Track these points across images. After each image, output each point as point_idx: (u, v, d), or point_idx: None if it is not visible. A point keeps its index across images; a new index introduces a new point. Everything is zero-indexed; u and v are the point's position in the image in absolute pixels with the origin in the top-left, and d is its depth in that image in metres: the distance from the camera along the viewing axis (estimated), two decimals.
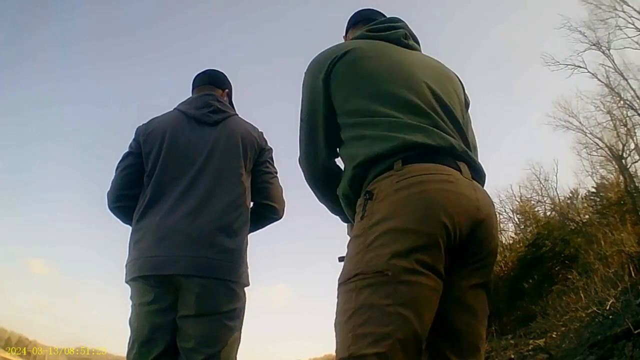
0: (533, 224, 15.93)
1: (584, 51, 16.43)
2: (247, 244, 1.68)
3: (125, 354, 1.57)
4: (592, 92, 16.47)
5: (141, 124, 1.78)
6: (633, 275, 7.20)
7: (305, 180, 1.35)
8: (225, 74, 1.96)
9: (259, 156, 1.77)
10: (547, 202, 17.14)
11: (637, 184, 13.36)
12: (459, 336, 1.03)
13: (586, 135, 16.30)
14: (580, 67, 16.44)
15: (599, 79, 16.06)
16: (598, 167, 15.84)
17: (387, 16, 1.43)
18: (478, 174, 1.14)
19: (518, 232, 16.89)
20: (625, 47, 15.56)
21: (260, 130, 1.84)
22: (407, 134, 1.06)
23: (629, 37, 15.44)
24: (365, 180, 1.09)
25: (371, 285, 0.93)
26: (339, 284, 1.00)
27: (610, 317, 5.87)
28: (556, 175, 17.48)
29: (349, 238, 1.09)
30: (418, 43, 1.39)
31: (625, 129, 15.22)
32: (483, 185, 1.16)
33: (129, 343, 1.55)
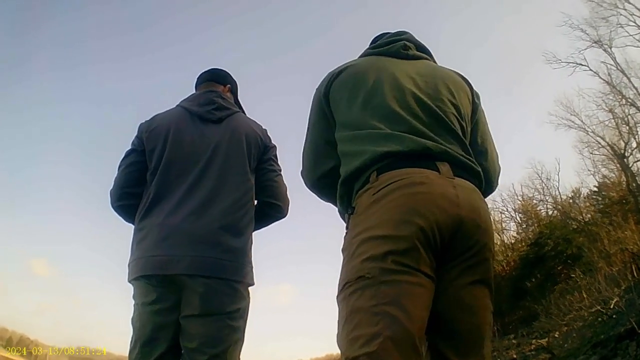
0: (535, 223, 15.90)
1: (586, 49, 16.44)
2: (251, 243, 1.66)
3: (126, 354, 1.56)
4: (594, 89, 16.46)
5: (144, 121, 1.76)
6: (635, 274, 7.16)
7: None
8: (228, 72, 1.95)
9: (263, 154, 1.75)
10: (549, 201, 17.10)
11: (639, 183, 13.31)
12: (459, 336, 1.03)
13: (588, 134, 16.29)
14: (582, 65, 16.46)
15: (600, 77, 16.07)
16: (600, 166, 15.80)
17: (395, 31, 1.49)
18: (467, 171, 1.14)
19: (520, 231, 16.89)
20: (626, 45, 15.57)
21: (264, 127, 1.83)
22: (380, 145, 1.12)
23: (630, 35, 15.46)
24: (352, 196, 1.17)
25: (356, 290, 0.97)
26: (336, 299, 1.05)
27: (614, 316, 5.84)
28: (558, 174, 17.51)
29: None
30: (424, 50, 1.43)
31: (627, 127, 15.20)
32: (479, 181, 1.17)
33: (131, 342, 1.54)
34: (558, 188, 17.03)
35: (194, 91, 1.90)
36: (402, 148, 1.10)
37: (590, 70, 16.27)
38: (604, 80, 15.95)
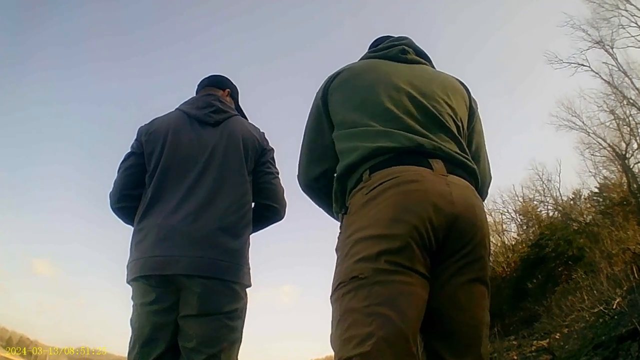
0: (536, 224, 15.87)
1: (587, 49, 16.39)
2: (249, 244, 1.67)
3: (126, 354, 1.56)
4: (596, 89, 16.40)
5: (143, 125, 1.78)
6: (637, 275, 7.14)
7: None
8: (229, 78, 1.97)
9: (260, 156, 1.77)
10: (549, 202, 17.06)
11: None
12: (456, 336, 1.02)
13: (589, 135, 16.22)
14: (584, 65, 16.40)
15: (602, 78, 16.01)
16: (601, 168, 15.76)
17: (396, 36, 1.51)
18: (462, 168, 1.14)
19: (521, 232, 16.84)
20: (628, 46, 15.52)
21: (262, 130, 1.85)
22: (372, 141, 1.12)
23: (632, 36, 15.40)
24: (346, 196, 1.16)
25: (350, 291, 0.97)
26: (329, 299, 1.04)
27: (615, 317, 5.82)
28: (559, 176, 17.43)
29: None
30: (423, 56, 1.45)
31: (629, 128, 15.16)
32: (474, 179, 1.16)
33: (130, 343, 1.55)
34: (559, 189, 17.01)
35: (194, 94, 1.92)
36: (394, 144, 1.09)
37: (592, 70, 16.25)
38: (606, 80, 15.94)
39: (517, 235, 16.79)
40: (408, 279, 0.95)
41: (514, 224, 17.44)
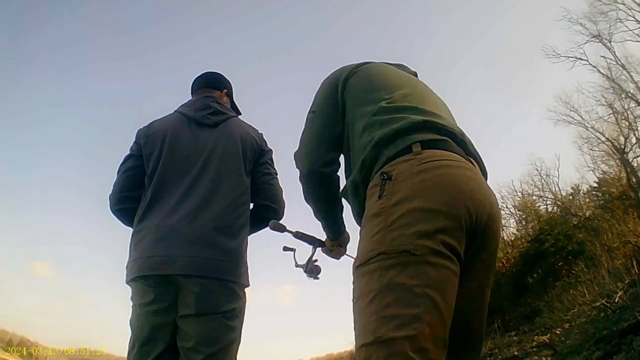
0: (535, 219, 15.86)
1: (585, 43, 16.37)
2: (247, 244, 1.69)
3: (125, 355, 1.56)
4: (594, 83, 16.37)
5: (142, 127, 1.79)
6: (637, 268, 7.10)
7: (298, 177, 1.33)
8: (223, 75, 1.97)
9: (258, 157, 1.78)
10: (548, 197, 17.06)
11: None
12: (464, 338, 0.98)
13: (587, 130, 16.23)
14: (582, 59, 16.37)
15: (600, 71, 15.99)
16: (599, 162, 15.75)
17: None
18: (482, 171, 1.14)
19: (520, 228, 16.84)
20: (626, 40, 15.51)
21: (260, 131, 1.86)
22: (422, 115, 1.07)
23: (629, 30, 15.39)
24: (376, 165, 1.05)
25: (396, 265, 0.87)
26: (356, 267, 0.94)
27: (617, 311, 5.78)
28: (558, 170, 17.42)
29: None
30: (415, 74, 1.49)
31: (627, 122, 15.15)
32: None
33: (129, 344, 1.55)
34: (558, 184, 17.02)
35: (192, 95, 1.92)
36: (444, 125, 1.06)
37: (590, 64, 16.24)
38: (604, 74, 15.92)
39: (517, 230, 16.81)
40: (455, 267, 0.89)
41: (513, 220, 17.47)
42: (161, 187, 1.63)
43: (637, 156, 14.43)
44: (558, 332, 7.01)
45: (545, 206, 16.96)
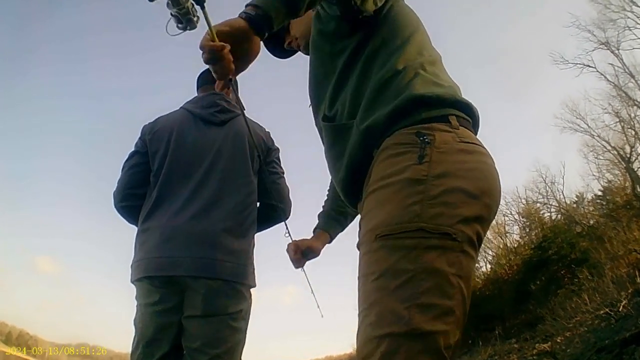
0: (538, 227, 15.75)
1: (593, 50, 16.25)
2: (254, 245, 1.67)
3: (126, 351, 1.59)
4: (601, 90, 16.27)
5: (147, 123, 1.77)
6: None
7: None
8: None
9: (265, 156, 1.77)
10: (553, 205, 16.92)
11: None
12: None
13: (593, 138, 16.11)
14: (589, 66, 16.26)
15: (607, 79, 15.89)
16: (604, 171, 15.64)
17: None
18: None
19: (523, 234, 16.73)
20: (634, 48, 15.40)
21: (267, 130, 1.84)
22: (458, 92, 0.98)
23: (638, 38, 15.26)
24: (409, 115, 0.90)
25: (437, 247, 0.76)
26: (382, 236, 0.79)
27: (620, 320, 5.73)
28: (563, 178, 17.34)
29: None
30: None
31: (633, 131, 15.04)
32: None
33: (133, 342, 1.55)
34: (562, 192, 16.88)
35: (195, 88, 1.90)
36: (471, 106, 0.96)
37: (597, 71, 16.13)
38: (611, 82, 15.82)
39: (520, 237, 16.70)
40: (475, 262, 0.83)
41: (517, 226, 17.34)
42: (167, 186, 1.61)
43: None
44: (559, 340, 6.94)
45: (549, 214, 16.85)
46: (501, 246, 16.26)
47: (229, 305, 1.51)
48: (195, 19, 0.97)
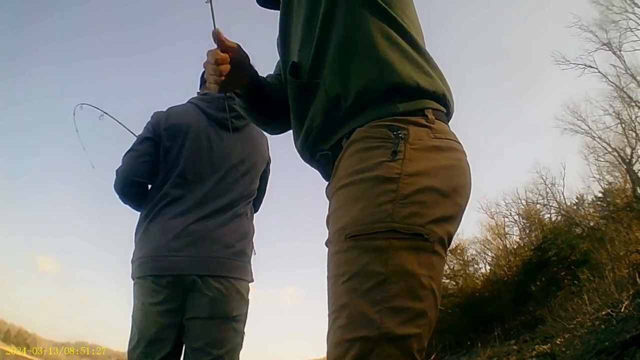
0: (538, 228, 15.73)
1: (595, 51, 16.26)
2: (252, 246, 1.75)
3: (125, 351, 1.55)
4: (602, 90, 16.26)
5: (160, 111, 1.73)
6: None
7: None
8: None
9: (265, 167, 1.85)
10: (553, 206, 16.89)
11: None
12: None
13: (594, 139, 16.08)
14: (591, 67, 16.25)
15: (609, 80, 15.87)
16: (605, 173, 15.61)
17: None
18: None
19: (523, 236, 16.71)
20: (635, 50, 15.39)
21: (267, 139, 1.90)
22: (445, 83, 0.93)
23: (639, 39, 15.23)
24: (382, 105, 0.86)
25: (408, 248, 0.73)
26: (351, 237, 0.76)
27: (621, 321, 5.70)
28: (563, 179, 17.32)
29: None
30: None
31: (634, 133, 15.02)
32: None
33: (131, 340, 1.53)
34: (563, 193, 16.85)
35: (197, 85, 1.89)
36: (450, 99, 0.92)
37: (599, 72, 16.12)
38: (612, 83, 15.80)
39: (520, 238, 16.69)
40: (444, 263, 0.81)
41: (517, 228, 17.33)
42: (179, 187, 1.62)
43: None
44: (559, 341, 6.91)
45: (549, 215, 16.82)
46: (501, 247, 16.26)
47: (234, 308, 1.55)
48: None
